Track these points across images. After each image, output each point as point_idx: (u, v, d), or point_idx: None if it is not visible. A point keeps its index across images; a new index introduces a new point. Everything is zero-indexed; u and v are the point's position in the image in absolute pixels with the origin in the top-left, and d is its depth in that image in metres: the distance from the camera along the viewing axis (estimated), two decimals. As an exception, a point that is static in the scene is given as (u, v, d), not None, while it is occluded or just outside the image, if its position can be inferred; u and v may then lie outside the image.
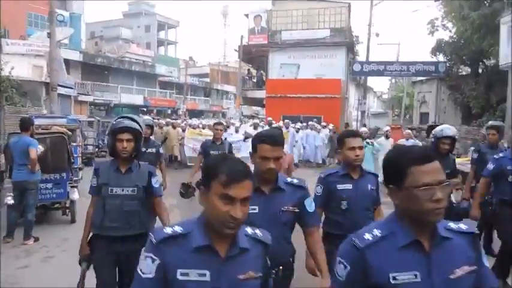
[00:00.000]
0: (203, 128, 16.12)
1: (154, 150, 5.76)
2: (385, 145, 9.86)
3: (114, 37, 52.41)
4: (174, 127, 15.91)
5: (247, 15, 28.12)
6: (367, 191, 3.15)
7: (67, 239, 6.43)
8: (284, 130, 14.90)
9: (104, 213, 3.11)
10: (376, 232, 1.52)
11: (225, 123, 14.85)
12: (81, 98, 29.26)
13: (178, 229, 1.56)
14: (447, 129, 4.79)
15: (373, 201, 3.22)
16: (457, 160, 9.08)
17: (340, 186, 3.10)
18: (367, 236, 1.51)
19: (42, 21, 31.92)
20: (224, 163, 1.53)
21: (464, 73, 23.32)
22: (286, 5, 26.18)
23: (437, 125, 18.16)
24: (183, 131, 15.91)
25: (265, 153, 2.38)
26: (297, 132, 16.68)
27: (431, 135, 5.20)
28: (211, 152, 6.20)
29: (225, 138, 12.13)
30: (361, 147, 3.15)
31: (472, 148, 7.96)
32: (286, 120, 17.22)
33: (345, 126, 19.86)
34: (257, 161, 2.43)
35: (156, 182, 3.31)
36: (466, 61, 21.76)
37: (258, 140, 2.46)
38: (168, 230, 1.56)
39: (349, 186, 3.11)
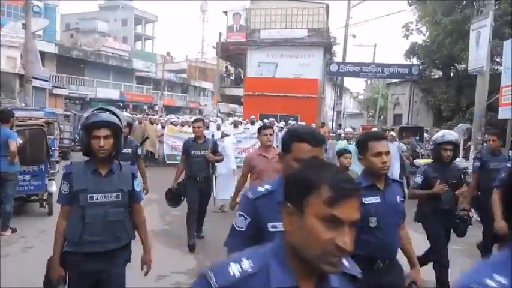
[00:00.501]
0: (182, 126, 15.51)
1: (130, 150, 5.33)
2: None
3: (90, 30, 51.52)
4: (151, 123, 15.55)
5: (226, 13, 28.21)
6: (396, 203, 2.73)
7: (44, 230, 6.46)
8: None
9: (82, 225, 2.63)
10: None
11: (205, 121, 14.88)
12: (56, 91, 28.83)
13: (247, 266, 1.14)
14: (448, 134, 4.48)
15: (402, 216, 2.83)
16: (422, 161, 9.50)
17: (366, 200, 2.59)
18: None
19: (15, 11, 31.24)
20: (325, 172, 1.14)
21: (436, 76, 24.02)
22: (265, 4, 26.39)
23: (410, 127, 18.53)
24: (163, 127, 15.41)
25: (304, 155, 1.88)
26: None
27: (431, 142, 5.15)
28: (193, 151, 5.95)
29: (212, 135, 11.59)
30: (388, 153, 2.66)
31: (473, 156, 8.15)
32: (271, 119, 16.84)
33: (321, 125, 20.21)
34: (291, 163, 1.93)
35: (138, 185, 2.88)
36: (438, 65, 22.41)
37: (295, 138, 1.98)
38: (235, 270, 1.12)
39: (376, 199, 2.65)
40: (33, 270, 4.86)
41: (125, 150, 4.42)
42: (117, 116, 2.74)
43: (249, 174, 4.93)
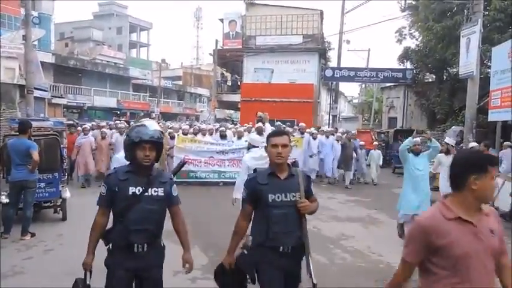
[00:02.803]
0: (195, 134, 13.17)
1: None
2: (444, 162, 8.55)
3: (85, 38, 51.85)
4: (161, 133, 13.88)
5: (222, 20, 28.64)
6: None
7: (61, 235, 6.86)
8: (297, 136, 13.43)
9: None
10: None
11: (223, 129, 13.46)
12: (55, 100, 29.15)
13: None
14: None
15: None
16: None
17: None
18: None
19: (10, 21, 31.48)
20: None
21: (430, 80, 24.53)
22: (261, 11, 26.86)
23: (404, 130, 19.05)
24: (172, 138, 12.64)
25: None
26: (314, 139, 13.71)
27: None
28: (271, 196, 3.04)
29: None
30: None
31: None
32: (301, 124, 15.14)
33: (317, 129, 20.59)
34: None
35: (175, 190, 3.21)
36: (431, 69, 22.90)
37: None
38: None
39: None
40: (56, 270, 5.25)
41: None
42: (161, 131, 3.16)
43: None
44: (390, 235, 7.25)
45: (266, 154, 3.62)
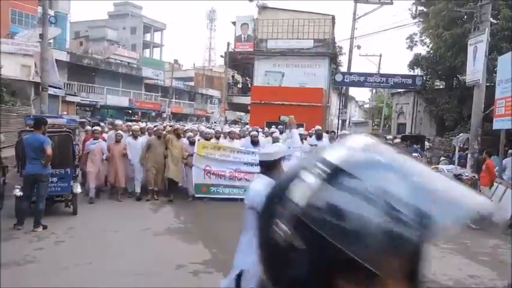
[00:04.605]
0: (217, 138, 10.81)
1: None
2: None
3: (100, 37, 52.62)
4: (178, 135, 10.10)
5: (234, 23, 28.97)
6: None
7: (72, 228, 7.17)
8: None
9: None
10: None
11: (255, 133, 11.05)
12: (69, 98, 29.68)
13: None
14: None
15: None
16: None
17: None
18: None
19: (27, 19, 32.17)
20: None
21: (441, 87, 24.53)
22: (272, 15, 27.11)
23: (412, 135, 19.15)
24: (191, 143, 10.27)
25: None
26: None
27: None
28: None
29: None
30: None
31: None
32: (317, 126, 12.74)
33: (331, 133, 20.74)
34: None
35: None
36: (441, 76, 22.92)
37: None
38: None
39: None
40: (65, 261, 5.55)
41: None
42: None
43: None
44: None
45: None
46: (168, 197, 9.87)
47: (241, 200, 8.64)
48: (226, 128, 13.24)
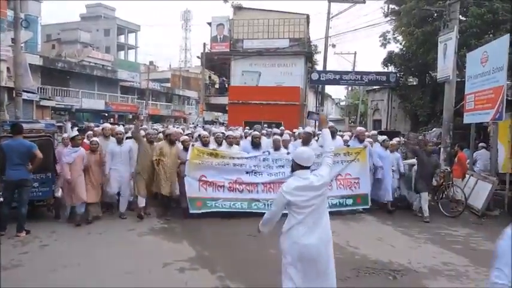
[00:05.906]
0: (219, 144, 9.18)
1: None
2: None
3: (73, 40, 51.82)
4: (171, 141, 8.56)
5: (210, 24, 29.00)
6: None
7: (55, 231, 7.18)
8: (360, 145, 9.53)
9: None
10: None
11: (257, 133, 9.87)
12: (43, 102, 29.21)
13: None
14: None
15: None
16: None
17: None
18: None
19: (-5, 23, 31.41)
20: None
21: (414, 83, 25.13)
22: (248, 15, 27.27)
23: (388, 131, 19.54)
24: (185, 148, 8.64)
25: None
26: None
27: None
28: None
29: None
30: None
31: None
32: (359, 128, 11.04)
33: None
34: None
35: None
36: (414, 72, 23.50)
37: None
38: None
39: None
40: (53, 261, 5.60)
41: None
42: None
43: None
44: (369, 231, 7.91)
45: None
46: (164, 216, 8.35)
47: (245, 214, 8.10)
48: (228, 132, 10.98)
